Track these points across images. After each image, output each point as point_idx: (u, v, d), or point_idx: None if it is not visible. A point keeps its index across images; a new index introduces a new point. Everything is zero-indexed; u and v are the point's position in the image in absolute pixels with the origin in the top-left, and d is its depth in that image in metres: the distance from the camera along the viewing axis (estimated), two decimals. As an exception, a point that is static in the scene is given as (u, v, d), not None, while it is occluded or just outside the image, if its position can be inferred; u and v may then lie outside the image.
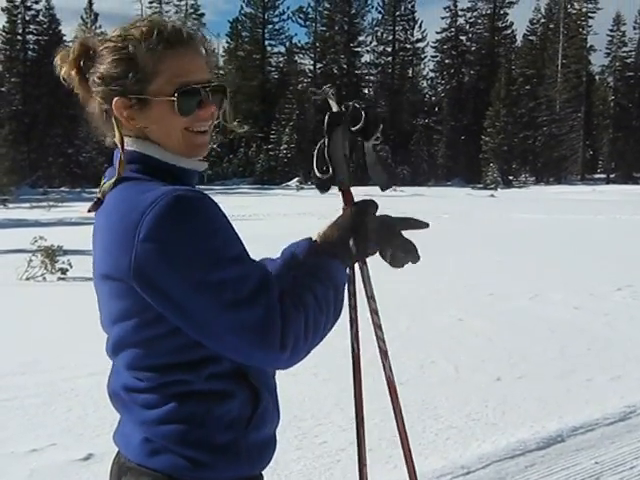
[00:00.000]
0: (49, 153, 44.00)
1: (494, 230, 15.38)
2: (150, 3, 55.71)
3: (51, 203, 24.70)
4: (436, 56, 59.03)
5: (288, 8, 58.75)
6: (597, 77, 60.00)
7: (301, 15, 57.77)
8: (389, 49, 58.39)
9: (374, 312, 1.32)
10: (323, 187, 1.27)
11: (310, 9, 57.44)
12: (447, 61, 58.35)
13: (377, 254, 1.24)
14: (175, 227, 0.97)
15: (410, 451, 1.39)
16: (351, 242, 1.17)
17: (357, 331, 1.35)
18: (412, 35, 58.15)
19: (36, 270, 8.42)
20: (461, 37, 58.87)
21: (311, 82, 56.20)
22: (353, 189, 1.25)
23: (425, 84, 60.98)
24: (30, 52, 47.47)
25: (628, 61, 56.43)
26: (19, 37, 47.37)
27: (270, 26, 58.74)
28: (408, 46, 58.38)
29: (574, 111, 52.56)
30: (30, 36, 47.63)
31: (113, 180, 1.07)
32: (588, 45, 55.63)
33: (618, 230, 15.32)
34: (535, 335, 5.60)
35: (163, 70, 1.05)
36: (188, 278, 0.97)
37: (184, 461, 1.05)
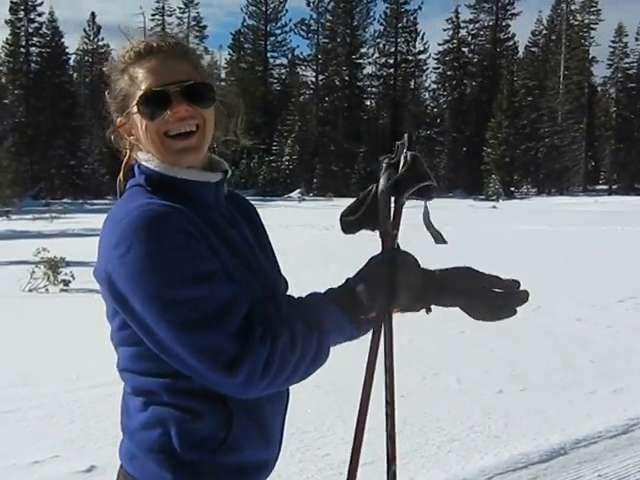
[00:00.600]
0: (52, 165, 44.17)
1: (496, 241, 15.37)
2: (152, 16, 56.23)
3: (53, 214, 24.79)
4: (438, 68, 59.24)
5: (290, 20, 59.32)
6: (599, 88, 60.11)
7: (303, 27, 58.14)
8: (391, 61, 58.61)
9: (388, 372, 1.20)
10: (348, 229, 1.21)
11: (312, 21, 57.79)
12: (449, 73, 58.53)
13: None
14: (136, 241, 0.99)
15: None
16: (361, 290, 1.09)
17: (369, 392, 1.21)
18: (414, 47, 58.41)
19: (39, 282, 8.46)
20: (463, 49, 59.09)
21: (313, 94, 56.45)
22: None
23: (427, 96, 61.14)
24: (33, 64, 47.74)
25: (630, 72, 56.53)
26: (22, 49, 47.67)
27: (272, 38, 59.10)
28: (410, 58, 58.60)
29: (576, 122, 52.62)
30: (33, 48, 47.95)
31: (118, 184, 1.16)
32: (590, 56, 55.78)
33: (620, 241, 15.29)
34: (538, 347, 5.59)
35: (137, 83, 1.10)
36: (143, 292, 0.99)
37: (151, 471, 1.07)
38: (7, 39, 47.58)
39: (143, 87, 1.09)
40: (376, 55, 58.44)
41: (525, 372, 4.85)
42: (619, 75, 56.68)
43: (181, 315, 0.98)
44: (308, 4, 56.93)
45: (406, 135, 1.23)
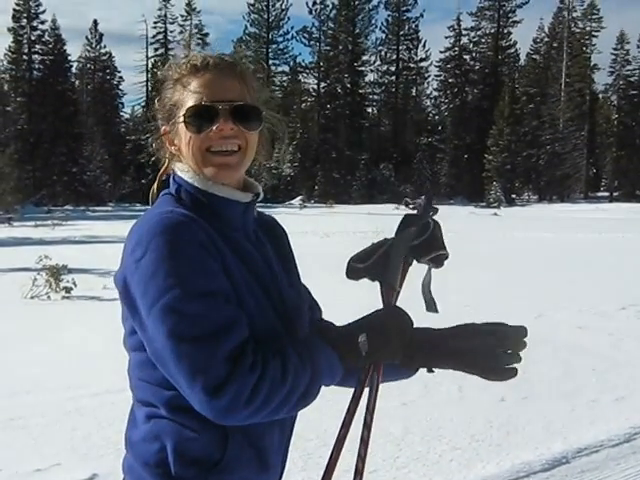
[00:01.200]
0: (54, 172, 44.25)
1: (497, 249, 15.36)
2: (155, 24, 56.43)
3: (55, 221, 24.82)
4: (440, 75, 59.37)
5: (292, 28, 59.45)
6: (600, 95, 60.14)
7: (305, 35, 58.35)
8: (393, 68, 58.77)
9: (367, 427, 1.17)
10: (354, 276, 1.23)
11: (314, 29, 58.00)
12: (451, 80, 58.64)
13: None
14: (152, 246, 1.01)
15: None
16: (362, 339, 1.08)
17: (343, 438, 1.18)
18: (416, 54, 58.57)
19: (41, 289, 8.46)
20: (465, 56, 59.21)
21: (315, 101, 56.59)
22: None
23: (429, 103, 61.25)
24: (35, 72, 47.88)
25: (632, 79, 56.58)
26: (25, 57, 47.86)
27: (274, 46, 59.33)
28: (412, 65, 58.76)
29: (577, 129, 52.64)
30: (36, 56, 48.12)
31: (151, 194, 1.20)
32: (592, 64, 55.86)
33: (622, 248, 15.28)
34: (539, 355, 5.57)
35: (187, 94, 1.12)
36: (148, 297, 1.00)
37: None
38: (10, 46, 47.82)
39: (193, 100, 1.11)
40: (378, 62, 58.67)
41: (527, 380, 4.83)
42: (620, 82, 56.74)
43: (178, 327, 0.98)
44: (310, 12, 57.24)
45: (425, 197, 1.27)
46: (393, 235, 1.23)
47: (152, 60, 53.46)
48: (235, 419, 1.00)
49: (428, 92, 60.91)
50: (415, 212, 1.25)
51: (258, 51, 59.02)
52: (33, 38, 48.15)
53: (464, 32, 58.78)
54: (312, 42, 58.17)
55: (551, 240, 17.67)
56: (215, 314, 1.00)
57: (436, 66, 59.27)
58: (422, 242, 1.21)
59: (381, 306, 1.19)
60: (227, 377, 0.97)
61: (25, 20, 47.91)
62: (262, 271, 1.15)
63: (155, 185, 1.20)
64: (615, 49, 57.03)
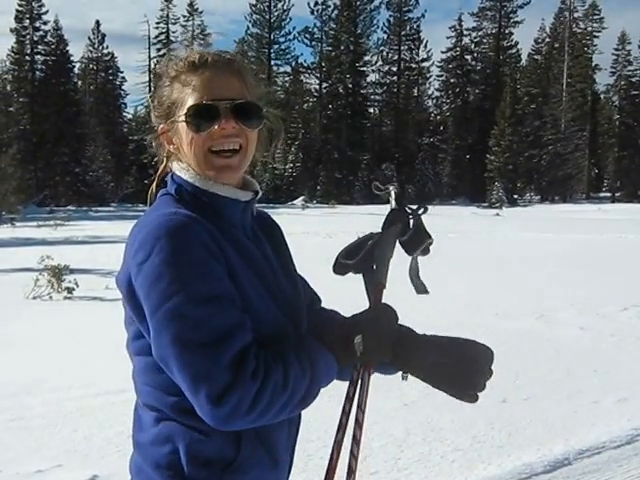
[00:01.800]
0: (56, 172, 44.30)
1: (499, 249, 15.34)
2: (157, 24, 56.48)
3: (58, 222, 24.77)
4: (441, 75, 59.35)
5: (294, 28, 59.32)
6: (602, 96, 60.06)
7: (307, 35, 58.33)
8: (394, 69, 58.74)
9: (359, 425, 1.18)
10: (342, 271, 1.24)
11: (316, 29, 57.96)
12: (452, 80, 58.60)
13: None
14: (156, 249, 1.00)
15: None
16: (358, 340, 1.09)
17: (342, 439, 1.18)
18: (417, 55, 58.54)
19: (43, 289, 8.46)
20: (466, 56, 59.17)
21: (317, 101, 56.57)
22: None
23: (430, 103, 61.21)
24: (38, 72, 47.93)
25: (633, 80, 56.51)
26: (27, 57, 47.91)
27: (276, 46, 59.31)
28: (413, 65, 58.70)
29: (579, 130, 52.58)
30: (38, 56, 48.16)
31: (149, 194, 1.18)
32: (593, 64, 55.81)
33: (623, 249, 15.25)
34: (541, 356, 5.57)
35: (187, 92, 1.11)
36: (153, 299, 1.00)
37: None
38: (12, 47, 47.88)
39: (194, 98, 1.10)
40: (379, 63, 58.63)
41: (528, 381, 4.83)
42: (622, 83, 56.66)
43: (181, 331, 0.98)
44: (312, 12, 57.22)
45: (392, 187, 1.28)
46: (380, 230, 1.24)
47: (154, 60, 53.44)
48: (237, 425, 1.00)
49: (430, 92, 60.92)
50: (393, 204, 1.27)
51: (260, 51, 59.03)
52: (35, 39, 48.21)
53: (465, 32, 58.80)
54: (314, 42, 58.17)
55: (553, 241, 17.63)
56: (219, 320, 0.99)
57: (438, 66, 59.30)
58: (409, 238, 1.22)
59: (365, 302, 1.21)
60: (229, 385, 0.96)
61: (27, 21, 47.95)
62: (263, 268, 1.15)
63: (154, 185, 1.19)
64: (616, 49, 57.01)
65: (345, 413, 1.18)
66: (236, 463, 1.07)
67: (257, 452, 1.09)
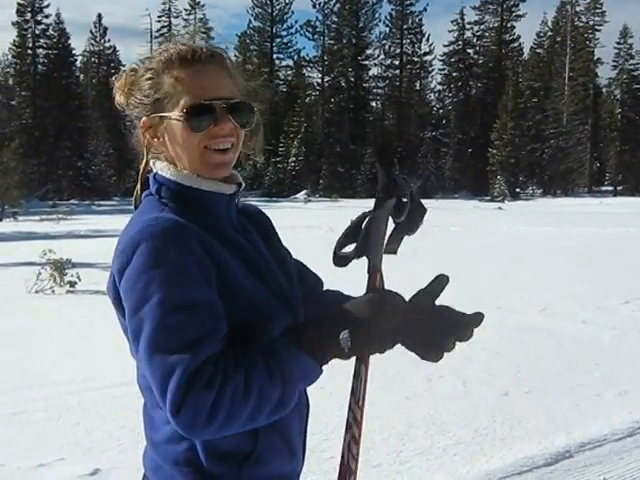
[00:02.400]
0: (59, 166, 44.28)
1: (501, 242, 15.31)
2: (159, 17, 56.35)
3: (60, 216, 24.78)
4: (443, 69, 59.09)
5: (296, 22, 59.43)
6: (604, 90, 59.80)
7: (309, 29, 58.11)
8: (397, 62, 58.50)
9: (357, 424, 1.12)
10: (343, 263, 1.16)
11: (318, 23, 57.73)
12: (454, 74, 58.37)
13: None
14: (137, 256, 1.00)
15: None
16: (344, 335, 1.00)
17: (352, 439, 1.12)
18: (419, 48, 58.26)
19: (45, 283, 8.45)
20: (468, 50, 58.91)
21: (319, 95, 56.42)
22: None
23: (432, 97, 61.01)
24: (40, 66, 47.87)
25: (635, 73, 56.23)
26: (29, 51, 47.83)
27: (278, 40, 59.15)
28: (415, 59, 58.47)
29: (581, 124, 52.38)
30: (40, 50, 48.08)
31: (135, 197, 1.16)
32: (595, 58, 55.52)
33: (625, 243, 15.21)
34: (543, 349, 5.56)
35: (180, 89, 1.08)
36: (131, 303, 1.00)
37: None
38: (14, 41, 47.80)
39: (191, 97, 1.08)
40: (382, 56, 58.41)
41: (530, 374, 4.83)
42: (624, 76, 56.39)
43: (152, 337, 0.97)
44: (314, 6, 56.98)
45: (382, 168, 1.21)
46: (371, 209, 1.17)
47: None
48: (202, 435, 0.97)
49: (432, 86, 60.68)
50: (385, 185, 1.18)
51: (262, 45, 58.89)
52: (37, 32, 48.11)
53: (467, 26, 58.48)
54: (316, 36, 57.99)
55: (555, 234, 17.59)
56: (190, 328, 0.97)
57: (440, 60, 59.05)
58: (407, 218, 1.14)
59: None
60: (184, 395, 0.94)
61: (29, 14, 47.85)
62: (254, 259, 1.14)
63: (138, 185, 1.16)
64: (618, 43, 56.69)
65: (351, 409, 1.14)
66: (255, 455, 1.07)
67: (275, 443, 1.10)
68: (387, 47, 58.27)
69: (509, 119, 50.05)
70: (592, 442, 3.56)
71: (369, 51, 57.69)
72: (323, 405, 4.00)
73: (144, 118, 1.12)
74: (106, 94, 53.31)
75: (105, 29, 54.59)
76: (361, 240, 1.14)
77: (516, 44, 59.42)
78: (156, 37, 55.91)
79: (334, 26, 57.38)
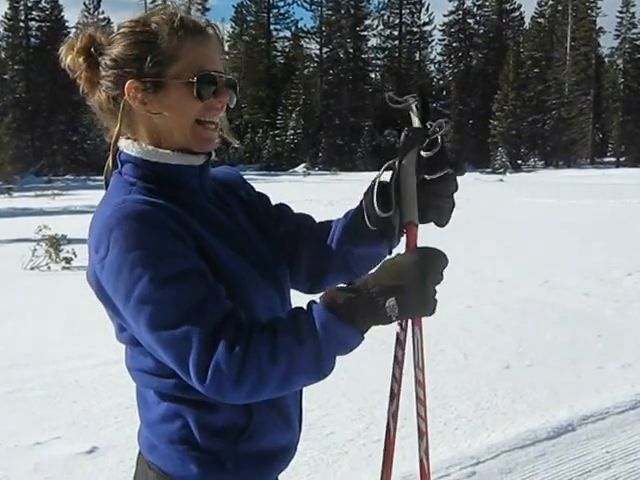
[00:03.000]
0: (53, 141, 43.98)
1: (503, 215, 15.27)
2: (154, -12, 55.36)
3: (55, 191, 24.69)
4: (443, 39, 58.40)
5: (293, -8, 58.13)
6: (606, 59, 59.21)
7: (306, -1, 57.22)
8: (396, 33, 57.79)
9: (420, 385, 1.08)
10: (380, 223, 1.06)
11: (316, -7, 56.86)
12: (455, 44, 57.69)
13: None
14: (112, 243, 0.97)
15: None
16: (390, 303, 0.93)
17: (397, 410, 1.11)
18: (419, 18, 57.53)
19: (40, 259, 8.40)
20: (469, 20, 58.13)
21: (317, 67, 55.79)
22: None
23: (432, 68, 60.45)
24: (33, 39, 47.34)
25: (638, 43, 55.58)
26: (21, 24, 47.19)
27: (275, 10, 58.26)
28: (415, 30, 57.76)
29: (583, 94, 51.94)
30: (32, 22, 47.45)
31: (105, 171, 1.11)
32: (597, 27, 54.85)
33: (628, 214, 15.15)
34: (545, 322, 5.53)
35: (183, 55, 1.05)
36: (120, 292, 0.97)
37: (174, 461, 1.07)
38: (6, 13, 47.13)
39: (198, 64, 1.05)
40: (380, 27, 57.71)
41: (532, 347, 4.80)
42: (626, 46, 55.74)
43: (153, 316, 0.95)
44: (311, -25, 55.97)
45: (411, 98, 1.08)
46: (397, 160, 1.06)
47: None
48: (234, 398, 0.95)
49: (432, 57, 60.26)
50: (415, 121, 1.06)
51: (259, 16, 58.04)
52: (30, 4, 47.42)
53: (468, -5, 57.57)
54: (314, 6, 57.10)
55: (557, 206, 17.54)
56: (187, 296, 0.95)
57: (440, 30, 58.34)
58: (433, 155, 1.03)
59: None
60: (209, 359, 0.92)
61: (21, -14, 47.12)
62: (232, 232, 1.11)
63: (110, 160, 1.10)
64: (620, 12, 55.97)
65: (397, 380, 1.09)
66: (249, 430, 1.06)
67: (270, 416, 1.09)
68: (386, 17, 57.53)
69: (510, 90, 49.61)
70: (595, 415, 3.54)
71: (368, 21, 56.95)
72: (323, 381, 3.97)
73: (131, 81, 1.04)
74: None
75: (99, 1, 53.70)
76: (394, 194, 1.04)
77: (517, 13, 58.68)
78: (150, 9, 55.07)
79: (332, -4, 56.43)
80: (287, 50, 58.77)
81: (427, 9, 57.97)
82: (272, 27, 58.45)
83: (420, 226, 1.07)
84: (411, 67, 57.53)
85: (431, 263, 0.97)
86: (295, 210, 1.28)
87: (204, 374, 0.92)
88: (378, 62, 59.26)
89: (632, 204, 17.90)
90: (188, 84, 1.04)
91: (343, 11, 55.98)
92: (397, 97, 1.09)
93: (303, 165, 46.30)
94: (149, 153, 1.07)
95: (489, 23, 57.95)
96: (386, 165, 1.06)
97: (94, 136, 44.82)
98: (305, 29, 58.47)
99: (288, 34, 59.04)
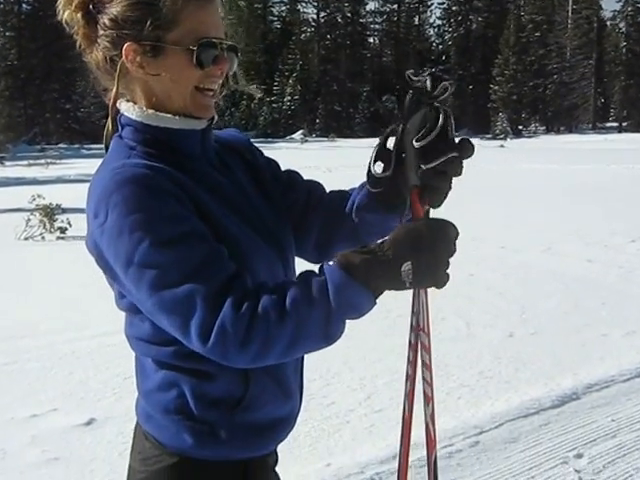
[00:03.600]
0: (46, 109, 43.42)
1: (504, 181, 15.19)
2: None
3: (49, 160, 24.48)
4: (443, 3, 57.48)
5: (290, -46, 56.86)
6: (609, 23, 58.41)
7: (303, -39, 55.96)
8: (395, -4, 56.75)
9: (425, 349, 1.06)
10: (379, 184, 1.04)
11: (312, -46, 55.57)
12: (454, 8, 56.76)
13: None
14: (111, 207, 0.94)
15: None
16: (406, 267, 0.89)
17: (412, 390, 1.09)
18: (418, -20, 56.45)
19: (34, 229, 8.30)
20: (469, -18, 57.09)
21: (314, 31, 54.88)
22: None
23: (432, 32, 59.62)
24: (25, 5, 46.64)
25: (641, 5, 54.68)
26: (13, -11, 46.26)
27: (271, -27, 57.07)
28: (414, -8, 56.75)
29: (585, 58, 51.28)
30: (25, -12, 46.51)
31: (105, 135, 1.08)
32: (600, -11, 53.88)
33: (631, 180, 15.06)
34: (548, 289, 5.49)
35: (184, 19, 1.01)
36: (121, 257, 0.94)
37: (169, 431, 1.06)
38: (-4, -22, 46.14)
39: (199, 30, 1.01)
40: (379, -11, 56.54)
41: (535, 315, 4.77)
42: (629, 9, 54.83)
43: (154, 280, 0.92)
44: None
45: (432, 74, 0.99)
46: (401, 122, 1.00)
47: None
48: (239, 361, 0.92)
49: (431, 21, 59.48)
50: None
51: (254, -21, 56.82)
52: (20, -32, 46.36)
53: (469, -45, 56.34)
54: (310, -31, 55.84)
55: (559, 172, 17.45)
56: (188, 258, 0.92)
57: (440, -7, 57.21)
58: (432, 140, 0.94)
59: None
60: (214, 320, 0.89)
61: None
62: (235, 198, 1.08)
63: (109, 121, 1.07)
64: (625, -28, 54.78)
65: (411, 363, 1.07)
66: (246, 400, 1.04)
67: (268, 386, 1.07)
68: (385, -21, 56.34)
69: (511, 54, 48.98)
70: (599, 383, 3.51)
71: (366, -16, 55.82)
72: (323, 350, 3.92)
73: (129, 44, 1.00)
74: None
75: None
76: (394, 157, 1.01)
77: (519, -25, 57.44)
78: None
79: (329, -43, 55.18)
80: (284, 15, 57.74)
81: (427, -29, 56.64)
82: (269, -9, 57.32)
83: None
84: (410, 31, 56.70)
85: (443, 231, 0.93)
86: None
87: (207, 335, 0.89)
88: (376, 26, 58.43)
89: (635, 169, 17.79)
90: (188, 51, 1.00)
91: (341, -27, 54.85)
92: (414, 76, 1.02)
93: (300, 132, 45.93)
94: (150, 117, 1.04)
95: (490, -15, 56.88)
96: (390, 129, 1.02)
97: (88, 104, 44.32)
98: (302, -8, 57.34)
99: (285, -2, 57.92)
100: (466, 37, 55.75)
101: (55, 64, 43.40)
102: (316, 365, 3.67)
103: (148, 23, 0.99)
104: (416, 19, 57.81)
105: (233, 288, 0.91)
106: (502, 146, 34.52)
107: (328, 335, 0.92)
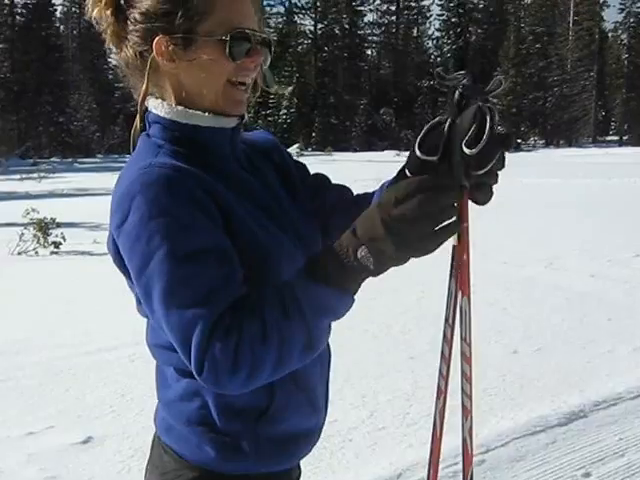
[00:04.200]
0: (39, 122, 43.39)
1: (504, 195, 15.13)
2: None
3: (42, 174, 24.39)
4: (442, 14, 57.79)
5: (288, -34, 57.33)
6: (610, 34, 58.73)
7: (302, -27, 56.38)
8: (393, 8, 57.17)
9: (466, 360, 1.01)
10: (418, 171, 0.91)
11: (311, -33, 56.04)
12: (453, 20, 57.11)
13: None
14: (133, 209, 0.91)
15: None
16: (362, 253, 0.84)
17: (443, 406, 1.07)
18: (417, -7, 56.87)
19: (28, 244, 8.22)
20: (468, -6, 57.55)
21: (312, 43, 55.17)
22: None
23: (430, 44, 59.93)
24: (18, 17, 46.56)
25: (642, 17, 55.08)
26: (6, 1, 46.33)
27: (270, -14, 57.51)
28: (413, 4, 57.17)
29: (586, 70, 51.48)
30: (18, 0, 46.63)
31: (132, 133, 1.05)
32: (601, 0, 54.21)
33: (633, 194, 15.03)
34: (551, 305, 5.44)
35: (216, 10, 0.98)
36: (135, 262, 0.92)
37: (190, 442, 1.04)
38: (-10, -9, 46.33)
39: (232, 21, 0.98)
40: (377, 2, 57.07)
41: (540, 331, 4.71)
42: (631, 20, 55.19)
43: (165, 292, 0.89)
44: (307, -52, 55.11)
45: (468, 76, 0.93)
46: (447, 117, 0.92)
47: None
48: (231, 388, 0.89)
49: (430, 33, 59.76)
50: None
51: (254, -8, 57.20)
52: (15, -19, 46.56)
53: (468, -32, 56.82)
54: (309, -19, 56.28)
55: (560, 186, 17.46)
56: (204, 277, 0.89)
57: (438, 5, 58.06)
58: (483, 147, 0.84)
59: None
60: (207, 349, 0.86)
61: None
62: (264, 198, 1.06)
63: (137, 121, 1.04)
64: (625, -16, 55.22)
65: (443, 377, 1.03)
66: (271, 411, 1.02)
67: (294, 397, 1.05)
68: (383, -8, 56.75)
69: (510, 66, 49.22)
70: (607, 401, 3.46)
71: (365, -4, 56.18)
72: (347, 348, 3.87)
73: (160, 37, 0.98)
74: (88, 46, 51.93)
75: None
76: (444, 147, 0.90)
77: (518, -13, 57.90)
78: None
79: (328, -30, 55.61)
80: (280, 26, 58.03)
81: (425, -16, 57.14)
82: (265, 3, 57.71)
83: None
84: (408, 43, 57.03)
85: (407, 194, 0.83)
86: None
87: (202, 362, 0.87)
88: (374, 38, 58.72)
89: (637, 183, 17.78)
90: (220, 42, 0.97)
91: (339, -14, 55.24)
92: (445, 74, 0.96)
93: (296, 145, 45.86)
94: (179, 114, 1.01)
95: (489, -3, 57.32)
96: (437, 119, 0.93)
97: (81, 117, 44.36)
98: (299, 4, 57.77)
99: (282, 10, 58.45)
100: (465, 49, 56.10)
101: (48, 77, 43.36)
102: (338, 368, 3.63)
103: (179, 14, 0.97)
104: (415, 31, 58.19)
105: (226, 315, 0.88)
106: (501, 159, 34.58)
107: (311, 342, 0.88)
